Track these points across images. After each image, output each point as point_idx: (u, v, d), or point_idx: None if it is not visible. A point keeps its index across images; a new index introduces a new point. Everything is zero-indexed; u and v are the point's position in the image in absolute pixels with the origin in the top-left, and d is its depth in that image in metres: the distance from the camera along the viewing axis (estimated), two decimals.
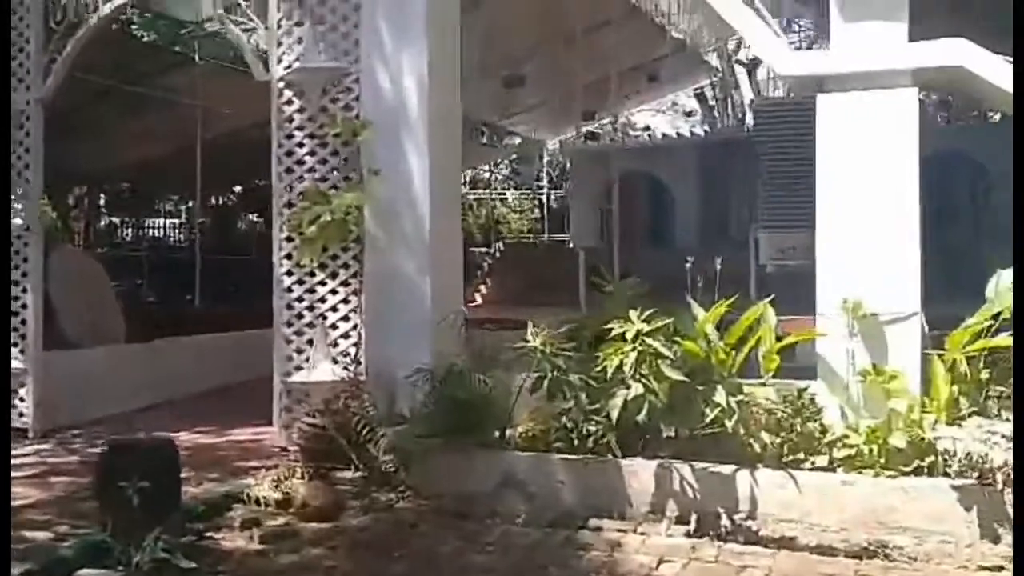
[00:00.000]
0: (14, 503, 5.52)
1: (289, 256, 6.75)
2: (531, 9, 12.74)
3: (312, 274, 6.67)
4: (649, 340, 4.87)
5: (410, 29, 6.34)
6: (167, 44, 13.02)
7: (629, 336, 4.90)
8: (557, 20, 13.36)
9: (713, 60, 26.17)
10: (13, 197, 7.65)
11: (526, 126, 24.73)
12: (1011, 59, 4.65)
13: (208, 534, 5.10)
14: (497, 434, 5.84)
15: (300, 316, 6.71)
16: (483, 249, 25.34)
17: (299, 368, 6.70)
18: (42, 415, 7.59)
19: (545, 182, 31.18)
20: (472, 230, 26.65)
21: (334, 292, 6.62)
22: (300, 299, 6.71)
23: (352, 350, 6.55)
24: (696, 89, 30.99)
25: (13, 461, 6.61)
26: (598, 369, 5.12)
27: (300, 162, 6.73)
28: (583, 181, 25.07)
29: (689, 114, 33.04)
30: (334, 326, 6.62)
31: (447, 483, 5.60)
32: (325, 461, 5.86)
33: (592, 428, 5.45)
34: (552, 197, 30.49)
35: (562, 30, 13.49)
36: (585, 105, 24.05)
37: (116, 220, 23.78)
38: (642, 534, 4.94)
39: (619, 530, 5.00)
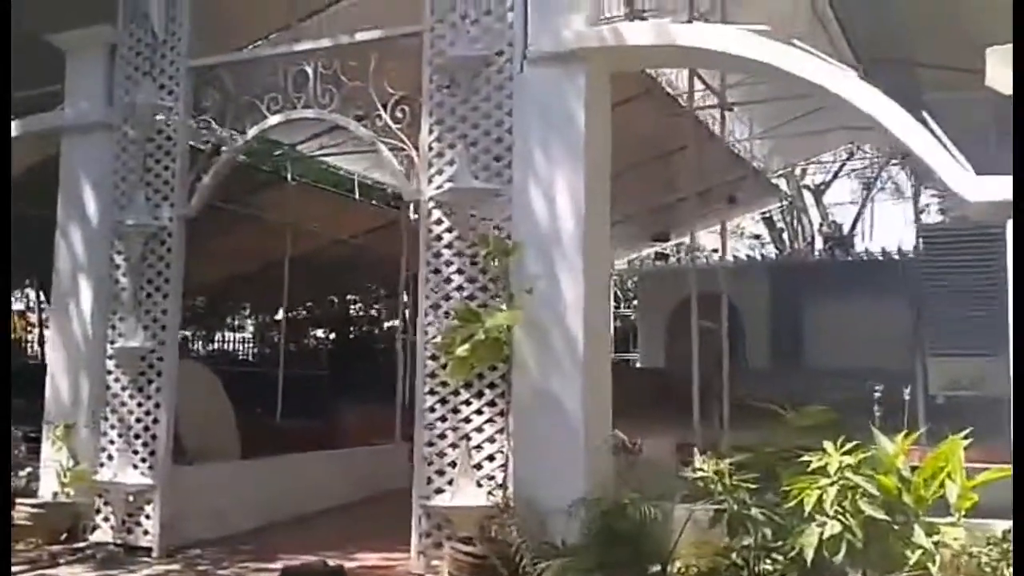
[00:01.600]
0: None
1: (432, 375, 6.65)
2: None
3: (456, 393, 6.54)
4: (849, 474, 4.62)
5: (568, 149, 6.35)
6: (259, 164, 13.40)
7: (832, 469, 4.65)
8: (634, 145, 13.53)
9: (782, 184, 26.29)
10: (150, 313, 7.71)
11: None
12: None
13: None
14: (659, 569, 5.56)
15: (443, 436, 6.56)
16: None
17: (440, 491, 6.51)
18: (167, 533, 7.43)
19: (611, 302, 31.01)
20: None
21: (479, 412, 6.47)
22: (443, 419, 6.57)
23: (498, 473, 6.35)
24: (764, 213, 31.03)
25: None
26: (789, 503, 4.85)
27: (447, 280, 6.69)
28: (651, 301, 25.03)
29: (757, 237, 33.03)
30: (479, 447, 6.44)
31: None
32: None
33: (768, 567, 5.16)
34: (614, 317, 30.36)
35: (638, 154, 13.54)
36: (656, 227, 24.30)
37: (187, 332, 23.96)
38: None
39: None
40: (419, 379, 6.70)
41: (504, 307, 6.32)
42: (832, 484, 4.67)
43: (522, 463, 6.20)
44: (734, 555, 5.41)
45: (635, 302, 28.83)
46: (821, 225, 31.25)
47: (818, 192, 31.54)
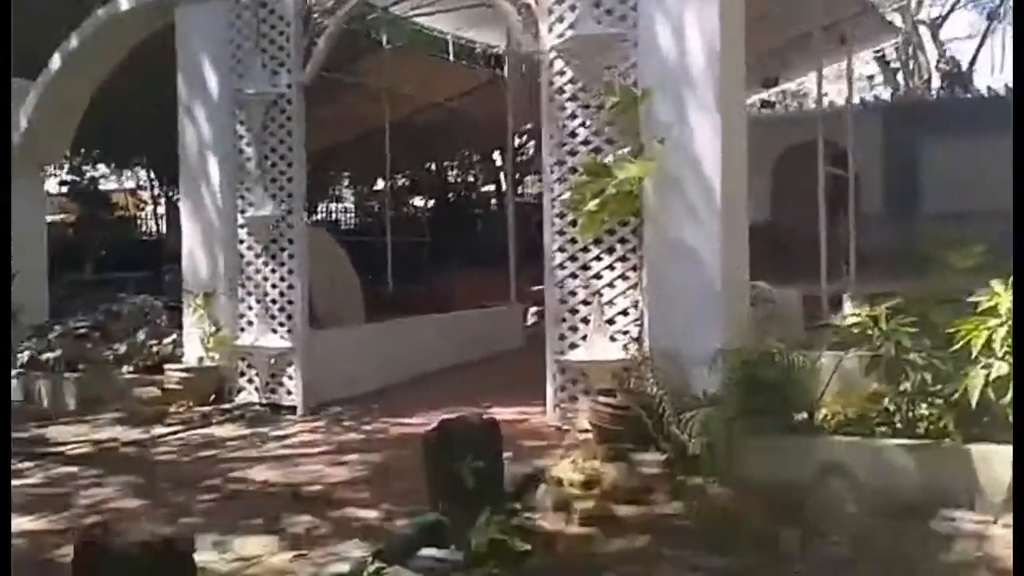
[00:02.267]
0: (327, 479, 5.62)
1: (561, 232, 6.58)
2: None
3: (586, 250, 6.47)
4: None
5: None
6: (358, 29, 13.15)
7: (1003, 309, 4.45)
8: None
9: (897, 20, 24.79)
10: (276, 182, 7.79)
11: None
12: None
13: (524, 515, 4.98)
14: (804, 418, 5.51)
15: (573, 293, 6.54)
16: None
17: (574, 346, 6.53)
18: (308, 393, 7.71)
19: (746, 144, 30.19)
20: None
21: (611, 268, 6.40)
22: (573, 276, 6.54)
23: (632, 328, 6.32)
24: (877, 52, 29.43)
25: (290, 438, 6.78)
26: (953, 347, 4.69)
27: (572, 134, 6.53)
28: (754, 151, 24.24)
29: (870, 78, 31.44)
30: (611, 303, 6.41)
31: (758, 469, 5.28)
32: (622, 442, 5.65)
33: (924, 411, 5.06)
34: None
35: None
36: (766, 71, 23.28)
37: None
38: (1006, 526, 4.51)
39: (978, 522, 4.58)
40: (547, 237, 6.64)
41: (634, 159, 6.14)
42: (1001, 324, 4.47)
43: (658, 316, 6.14)
44: (885, 401, 5.34)
45: None
46: (938, 62, 29.55)
47: (934, 26, 29.67)
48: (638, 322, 6.29)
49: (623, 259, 6.35)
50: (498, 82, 15.60)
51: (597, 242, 6.39)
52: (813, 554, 4.44)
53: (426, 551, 4.40)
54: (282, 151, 7.79)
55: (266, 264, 7.88)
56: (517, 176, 29.08)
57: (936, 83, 28.40)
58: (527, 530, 4.72)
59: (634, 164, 5.94)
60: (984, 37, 29.49)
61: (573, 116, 6.52)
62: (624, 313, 6.37)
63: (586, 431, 6.39)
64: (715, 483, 5.30)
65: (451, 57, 15.17)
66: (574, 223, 6.49)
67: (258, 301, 7.92)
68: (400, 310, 10.63)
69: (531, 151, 27.69)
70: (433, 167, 24.67)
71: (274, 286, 7.85)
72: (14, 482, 5.74)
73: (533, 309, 12.73)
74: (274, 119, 7.80)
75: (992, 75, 27.46)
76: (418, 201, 24.74)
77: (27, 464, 6.19)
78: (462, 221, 23.58)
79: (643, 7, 6.20)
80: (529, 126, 18.24)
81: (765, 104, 26.89)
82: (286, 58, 7.72)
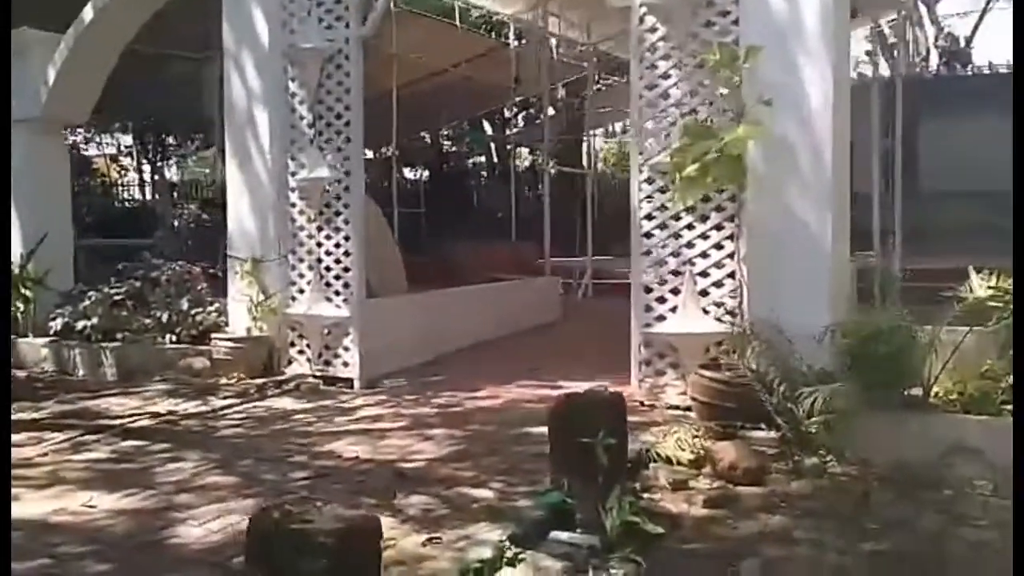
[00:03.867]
0: (421, 454, 5.31)
1: (649, 198, 6.27)
2: None
3: (677, 217, 6.17)
4: None
5: None
6: None
7: None
8: None
9: None
10: (332, 142, 7.40)
11: None
12: None
13: (645, 495, 4.71)
14: (921, 395, 5.28)
15: (663, 263, 6.24)
16: None
17: (662, 319, 6.24)
18: (365, 365, 7.36)
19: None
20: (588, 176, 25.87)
21: (704, 237, 6.10)
22: (663, 245, 6.23)
23: (727, 300, 6.04)
24: (875, 27, 29.19)
25: (357, 411, 6.46)
26: None
27: (664, 95, 6.21)
28: None
29: (868, 54, 31.27)
30: (704, 273, 6.11)
31: (877, 447, 5.05)
32: (730, 418, 5.38)
33: None
34: None
35: None
36: None
37: None
38: None
39: None
40: (634, 204, 6.33)
41: (735, 121, 5.83)
42: None
43: (760, 288, 5.84)
44: (1009, 378, 5.10)
45: None
46: (936, 38, 29.42)
47: (932, 2, 29.51)
48: (734, 294, 6.00)
49: (718, 227, 6.06)
50: (502, 50, 15.31)
51: (690, 210, 6.08)
52: (959, 538, 4.20)
53: (558, 534, 4.11)
54: (339, 110, 7.39)
55: (320, 230, 7.50)
56: (508, 148, 28.84)
57: (935, 60, 28.31)
58: (653, 512, 4.46)
59: (742, 127, 5.61)
60: (983, 14, 29.45)
61: (666, 76, 6.20)
62: (718, 284, 6.08)
63: (675, 407, 6.14)
64: (835, 462, 5.08)
65: (457, 23, 14.84)
66: (664, 189, 6.20)
67: (311, 268, 7.55)
68: (440, 280, 10.33)
69: (522, 123, 27.47)
70: (428, 137, 24.31)
71: (328, 253, 7.48)
72: (80, 456, 5.42)
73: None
74: (330, 76, 7.40)
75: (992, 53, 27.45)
76: (407, 172, 24.35)
77: (89, 437, 5.82)
78: (458, 192, 23.26)
79: None
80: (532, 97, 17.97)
81: None
82: (344, 11, 7.31)
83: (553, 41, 19.25)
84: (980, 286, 5.11)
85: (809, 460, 5.10)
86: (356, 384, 7.31)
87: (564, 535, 4.10)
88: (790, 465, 5.10)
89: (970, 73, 26.01)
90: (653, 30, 6.22)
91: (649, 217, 6.27)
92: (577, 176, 21.87)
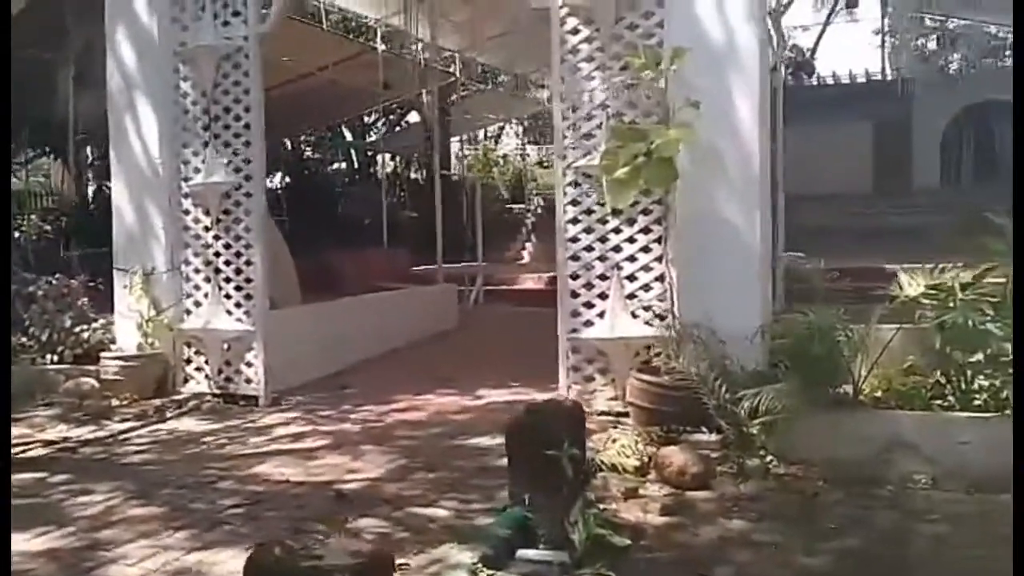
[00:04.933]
0: (357, 474, 5.03)
1: (575, 203, 6.18)
2: None
3: (603, 221, 6.10)
4: None
5: None
6: None
7: None
8: None
9: None
10: (230, 146, 6.98)
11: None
12: None
13: (598, 506, 4.58)
14: (851, 392, 5.37)
15: (589, 267, 6.15)
16: (518, 206, 24.67)
17: (589, 324, 6.15)
18: (269, 380, 6.97)
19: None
20: (498, 186, 26.03)
21: (631, 240, 6.05)
22: (589, 248, 6.15)
23: (656, 303, 6.00)
24: None
25: (272, 431, 6.12)
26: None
27: (588, 98, 6.12)
28: None
29: None
30: (632, 277, 6.06)
31: (815, 446, 5.10)
32: (670, 423, 5.32)
33: (984, 383, 5.00)
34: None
35: None
36: None
37: None
38: None
39: None
40: (559, 208, 6.22)
41: (659, 124, 5.79)
42: None
43: (689, 291, 5.81)
44: (938, 374, 5.26)
45: None
46: (783, 49, 30.73)
47: (777, 15, 30.76)
48: (663, 297, 5.96)
49: (645, 230, 6.01)
50: (369, 54, 15.06)
51: (616, 213, 6.00)
52: (917, 534, 4.26)
53: (526, 552, 3.94)
54: (237, 111, 6.98)
55: (218, 238, 7.06)
56: (369, 154, 28.42)
57: (781, 70, 29.52)
58: (612, 523, 4.34)
59: (673, 130, 5.57)
60: (824, 28, 31.07)
61: (589, 78, 6.11)
62: (647, 288, 6.03)
63: (606, 413, 6.06)
64: (777, 463, 5.09)
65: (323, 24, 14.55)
66: (589, 193, 6.12)
67: (207, 280, 7.09)
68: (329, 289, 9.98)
69: (383, 129, 27.10)
70: (288, 143, 23.66)
71: (228, 263, 7.04)
72: None
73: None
74: (227, 75, 6.98)
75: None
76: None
77: None
78: (321, 199, 22.73)
79: None
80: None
81: None
82: (241, 6, 6.90)
83: (419, 46, 19.12)
84: (910, 284, 5.21)
85: (752, 462, 5.10)
86: (261, 401, 6.91)
87: (532, 553, 3.93)
88: (734, 468, 5.08)
89: (815, 83, 27.37)
90: (575, 32, 6.13)
91: (574, 221, 6.16)
92: (454, 181, 21.79)
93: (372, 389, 7.30)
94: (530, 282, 14.46)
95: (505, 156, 29.08)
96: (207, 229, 7.07)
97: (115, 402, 6.74)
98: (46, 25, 10.74)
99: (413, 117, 27.03)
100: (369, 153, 28.20)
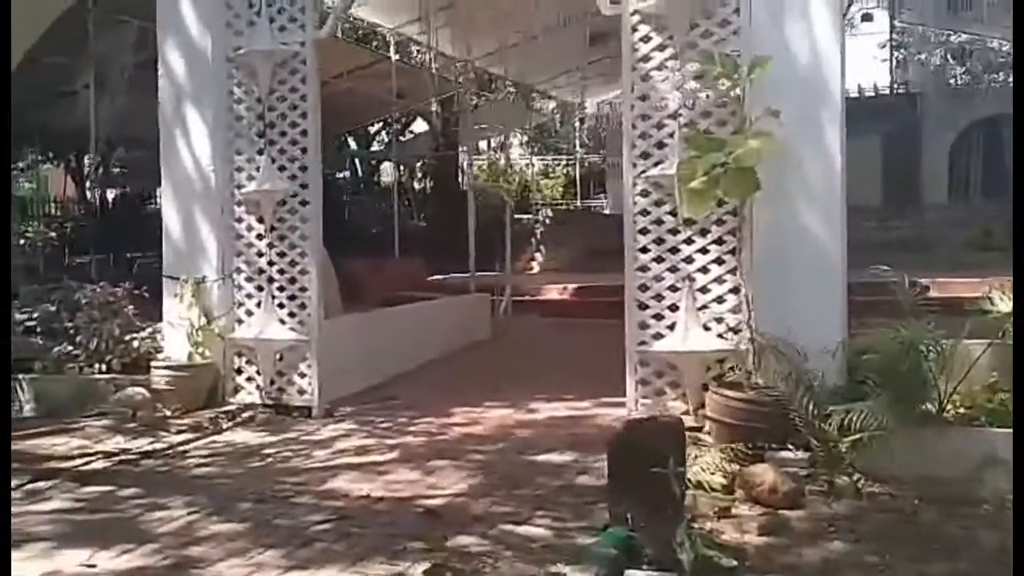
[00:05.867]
0: (438, 490, 4.90)
1: (644, 212, 6.06)
2: None
3: (674, 231, 5.98)
4: None
5: None
6: None
7: None
8: None
9: None
10: (286, 153, 6.86)
11: (568, 88, 23.94)
12: None
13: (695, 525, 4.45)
14: (935, 409, 5.25)
15: (659, 279, 6.02)
16: (526, 216, 24.61)
17: (658, 336, 6.02)
18: (324, 391, 6.83)
19: (578, 146, 30.43)
20: (504, 195, 25.90)
21: (704, 251, 5.93)
22: (659, 259, 6.03)
23: (729, 316, 5.87)
24: None
25: (333, 443, 6.00)
26: None
27: (659, 107, 6.01)
28: (619, 145, 24.49)
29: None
30: (704, 289, 5.93)
31: (905, 464, 4.97)
32: (757, 439, 5.19)
33: None
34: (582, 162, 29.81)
35: None
36: None
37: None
38: None
39: None
40: (627, 218, 6.10)
41: (737, 132, 5.69)
42: None
43: (766, 304, 5.67)
44: None
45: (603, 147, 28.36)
46: None
47: None
48: (736, 309, 5.84)
49: (719, 241, 5.89)
50: (384, 63, 15.00)
51: (688, 222, 5.89)
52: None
53: (634, 573, 3.81)
54: (293, 117, 6.86)
55: (272, 246, 6.92)
56: (374, 163, 28.32)
57: None
58: (715, 543, 4.21)
59: (755, 139, 5.45)
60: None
61: (661, 86, 6.00)
62: (720, 300, 5.91)
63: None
64: (869, 482, 4.96)
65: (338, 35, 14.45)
66: (660, 202, 6.01)
67: (260, 288, 6.96)
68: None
69: (386, 138, 27.00)
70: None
71: (282, 271, 6.91)
72: (40, 506, 4.75)
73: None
74: (283, 81, 6.85)
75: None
76: None
77: (41, 484, 5.08)
78: (330, 208, 22.54)
79: None
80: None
81: (642, 98, 27.21)
82: (299, 12, 6.78)
83: (430, 56, 19.05)
84: (1001, 300, 5.11)
85: (841, 480, 4.98)
86: (314, 412, 6.78)
87: (641, 574, 3.80)
88: (824, 487, 4.96)
89: None
90: (646, 39, 6.02)
91: (644, 231, 6.04)
92: (467, 191, 21.72)
93: (421, 400, 7.17)
94: (554, 292, 14.31)
95: (511, 166, 29.04)
96: (260, 237, 6.93)
97: (167, 412, 6.59)
98: (67, 34, 10.61)
99: (419, 126, 27.03)
100: (374, 162, 28.13)
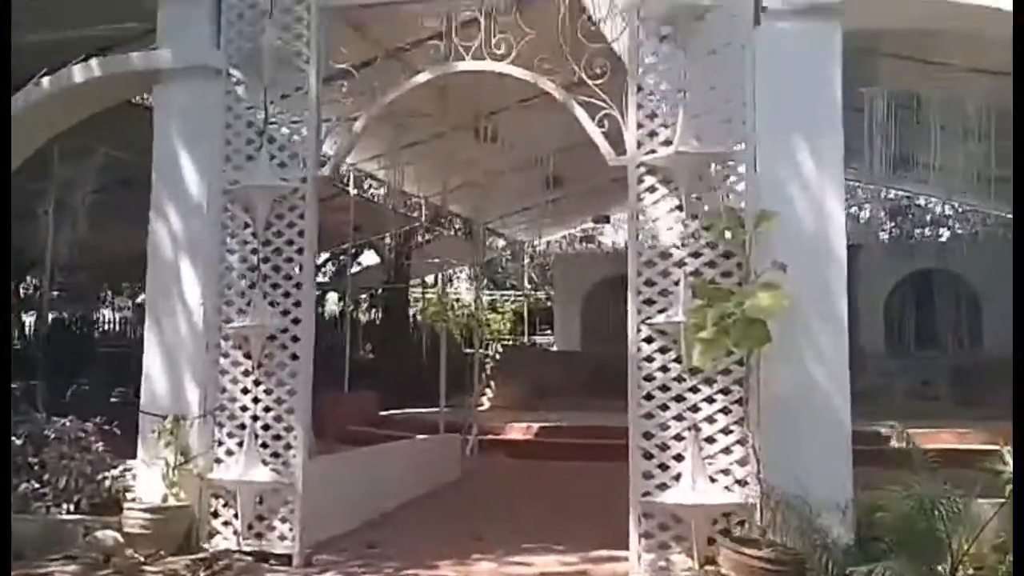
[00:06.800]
0: None
1: (649, 359, 6.03)
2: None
3: (680, 380, 5.95)
4: None
5: (825, 113, 5.86)
6: None
7: None
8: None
9: None
10: (279, 288, 6.73)
11: (520, 227, 24.36)
12: None
13: None
14: (945, 569, 5.18)
15: (665, 427, 5.95)
16: (471, 351, 24.55)
17: (664, 486, 5.90)
18: (304, 537, 6.50)
19: (527, 282, 30.79)
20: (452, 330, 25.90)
21: (710, 400, 5.89)
22: (664, 407, 5.97)
23: (736, 468, 5.79)
24: None
25: None
26: None
27: (664, 255, 6.07)
28: (568, 284, 24.88)
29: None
30: (710, 439, 5.87)
31: None
32: None
33: None
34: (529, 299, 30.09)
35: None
36: (599, 207, 24.05)
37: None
38: None
39: None
40: (631, 364, 6.06)
41: (743, 283, 5.76)
42: None
43: (774, 457, 5.62)
44: None
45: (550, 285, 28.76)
46: None
47: None
48: (743, 461, 5.77)
49: (725, 391, 5.86)
50: (342, 196, 15.14)
51: (694, 371, 5.86)
52: None
53: None
54: (289, 253, 6.76)
55: (258, 383, 6.70)
56: (320, 293, 28.15)
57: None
58: None
59: (762, 291, 5.50)
60: None
61: (666, 235, 6.09)
62: (727, 451, 5.84)
63: None
64: None
65: None
66: (665, 349, 5.99)
67: (243, 427, 6.68)
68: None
69: (333, 269, 26.99)
70: None
71: (267, 409, 6.67)
72: None
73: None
74: (281, 216, 6.79)
75: None
76: None
77: None
78: None
79: (759, 128, 5.91)
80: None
81: (588, 239, 27.86)
82: (301, 149, 6.79)
83: (383, 190, 19.33)
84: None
85: None
86: (295, 560, 6.43)
87: None
88: None
89: None
90: (652, 190, 6.13)
91: (649, 378, 6.00)
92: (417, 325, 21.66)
93: (405, 550, 6.85)
94: (518, 432, 14.09)
95: (458, 300, 29.14)
96: (247, 373, 6.71)
97: (140, 558, 6.19)
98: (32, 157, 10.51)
99: (368, 258, 27.10)
100: (319, 292, 27.97)
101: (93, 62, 7.08)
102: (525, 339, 29.15)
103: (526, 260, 29.01)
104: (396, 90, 6.74)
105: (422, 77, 6.69)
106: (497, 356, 24.80)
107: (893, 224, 26.54)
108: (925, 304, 20.94)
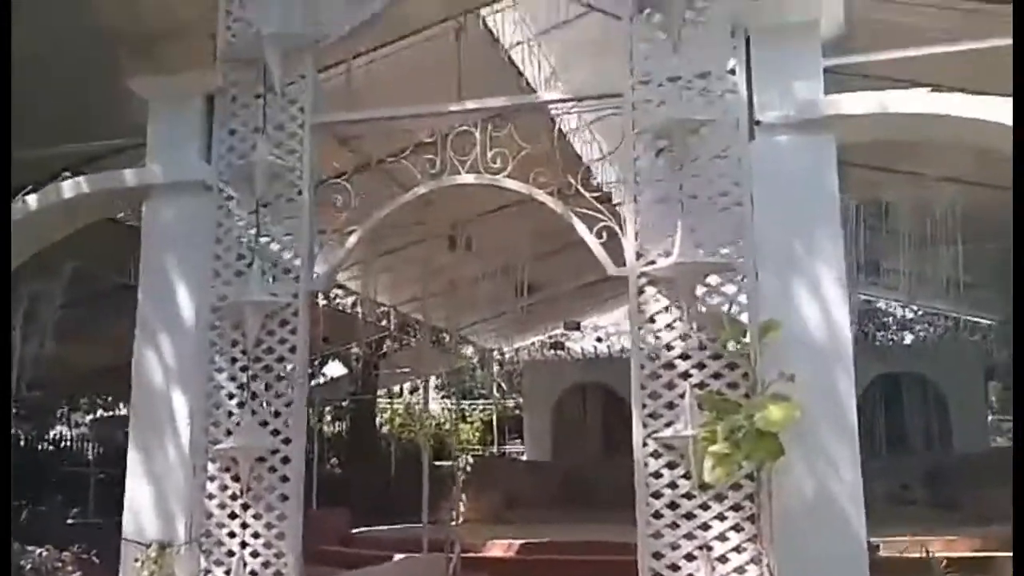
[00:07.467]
0: None
1: (656, 475, 5.88)
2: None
3: (689, 496, 5.79)
4: None
5: (824, 225, 5.88)
6: None
7: None
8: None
9: None
10: (269, 406, 6.52)
11: (489, 333, 24.31)
12: None
13: None
14: None
15: (675, 547, 5.76)
16: (441, 462, 24.19)
17: None
18: None
19: (495, 391, 30.60)
20: (420, 442, 25.63)
21: (721, 518, 5.72)
22: (674, 525, 5.79)
23: None
24: None
25: None
26: None
27: (669, 366, 5.98)
28: (538, 392, 24.73)
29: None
30: (723, 559, 5.68)
31: None
32: None
33: None
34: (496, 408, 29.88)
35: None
36: (569, 314, 24.11)
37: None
38: None
39: None
40: (638, 480, 5.90)
41: (750, 394, 5.67)
42: None
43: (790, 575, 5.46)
44: None
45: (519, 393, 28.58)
46: None
47: None
48: None
49: (736, 507, 5.71)
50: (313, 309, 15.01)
51: (704, 487, 5.71)
52: None
53: None
54: (279, 370, 6.58)
55: (246, 507, 6.42)
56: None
57: None
58: None
59: (773, 403, 5.41)
60: None
61: (669, 347, 6.00)
62: (740, 571, 5.64)
63: None
64: None
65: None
66: (672, 464, 5.85)
67: (231, 554, 6.37)
68: None
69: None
70: None
71: (257, 535, 6.37)
72: None
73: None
74: (272, 332, 6.62)
75: None
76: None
77: None
78: None
79: (757, 239, 5.92)
80: None
81: (556, 346, 27.82)
82: (293, 264, 6.68)
83: (350, 299, 19.28)
84: None
85: None
86: None
87: None
88: None
89: None
90: (654, 300, 6.08)
91: (657, 495, 5.84)
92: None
93: None
94: (499, 549, 13.67)
95: (426, 411, 28.71)
96: (234, 497, 6.43)
97: None
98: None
99: (333, 369, 26.75)
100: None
101: (82, 178, 6.98)
102: (495, 449, 28.81)
103: (495, 368, 28.81)
104: (391, 204, 6.68)
105: (419, 190, 6.65)
106: (468, 468, 24.42)
107: (859, 327, 26.93)
108: (894, 406, 21.09)
